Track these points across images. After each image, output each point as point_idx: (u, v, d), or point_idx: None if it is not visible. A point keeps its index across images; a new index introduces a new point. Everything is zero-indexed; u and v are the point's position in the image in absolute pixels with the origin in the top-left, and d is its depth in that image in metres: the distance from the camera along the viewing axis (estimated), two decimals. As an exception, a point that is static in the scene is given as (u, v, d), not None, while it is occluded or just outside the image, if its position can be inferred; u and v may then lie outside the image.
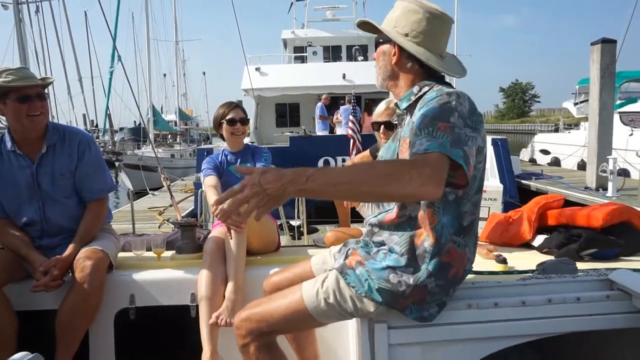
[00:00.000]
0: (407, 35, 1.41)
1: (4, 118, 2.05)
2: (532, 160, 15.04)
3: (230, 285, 2.00)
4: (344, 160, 8.81)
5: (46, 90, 2.10)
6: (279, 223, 2.43)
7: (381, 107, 2.49)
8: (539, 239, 2.10)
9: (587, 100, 10.91)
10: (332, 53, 15.35)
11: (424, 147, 1.17)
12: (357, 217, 2.61)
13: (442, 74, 1.45)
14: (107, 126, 19.89)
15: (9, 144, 2.02)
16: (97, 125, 23.20)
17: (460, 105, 1.27)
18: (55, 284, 1.89)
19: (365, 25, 1.53)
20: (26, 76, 1.97)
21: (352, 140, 8.26)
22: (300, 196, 1.12)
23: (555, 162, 14.06)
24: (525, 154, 16.03)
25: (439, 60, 1.42)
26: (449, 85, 1.44)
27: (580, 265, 1.66)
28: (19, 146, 2.02)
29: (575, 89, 17.23)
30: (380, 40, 1.49)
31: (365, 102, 12.66)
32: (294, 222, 6.18)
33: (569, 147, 13.34)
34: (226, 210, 1.15)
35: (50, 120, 2.12)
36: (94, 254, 1.95)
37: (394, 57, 1.45)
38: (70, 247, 2.00)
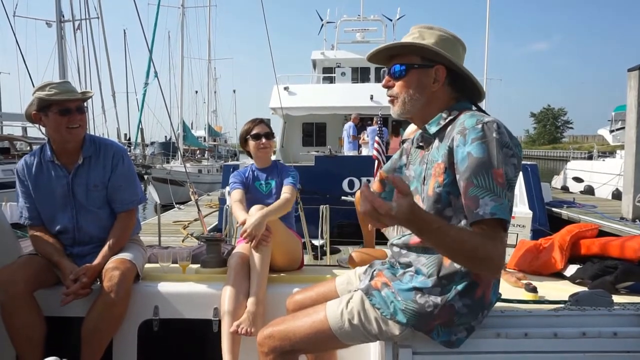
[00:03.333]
0: None
1: (44, 129, 2.13)
2: (564, 188, 14.61)
3: (251, 298, 2.01)
4: (368, 181, 8.78)
5: (85, 104, 2.19)
6: (302, 242, 2.43)
7: (413, 125, 2.48)
8: (571, 269, 2.03)
9: (623, 128, 10.60)
10: (361, 74, 15.45)
11: (490, 210, 1.19)
12: (381, 239, 2.57)
13: (476, 101, 1.45)
14: (139, 140, 20.47)
15: (48, 154, 2.10)
16: (129, 139, 23.90)
17: (501, 135, 1.25)
18: (85, 292, 1.94)
19: (376, 59, 1.46)
20: (68, 90, 2.05)
21: (376, 162, 8.24)
22: (417, 233, 1.20)
23: (589, 190, 13.63)
24: (557, 181, 15.59)
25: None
26: (479, 109, 1.42)
27: (616, 299, 1.58)
28: (57, 156, 2.10)
29: (611, 115, 16.78)
30: (416, 66, 1.39)
31: (392, 124, 12.65)
32: (316, 242, 6.16)
33: (603, 175, 12.93)
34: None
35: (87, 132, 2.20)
36: (122, 264, 1.99)
37: (435, 82, 1.39)
38: (100, 256, 2.04)
